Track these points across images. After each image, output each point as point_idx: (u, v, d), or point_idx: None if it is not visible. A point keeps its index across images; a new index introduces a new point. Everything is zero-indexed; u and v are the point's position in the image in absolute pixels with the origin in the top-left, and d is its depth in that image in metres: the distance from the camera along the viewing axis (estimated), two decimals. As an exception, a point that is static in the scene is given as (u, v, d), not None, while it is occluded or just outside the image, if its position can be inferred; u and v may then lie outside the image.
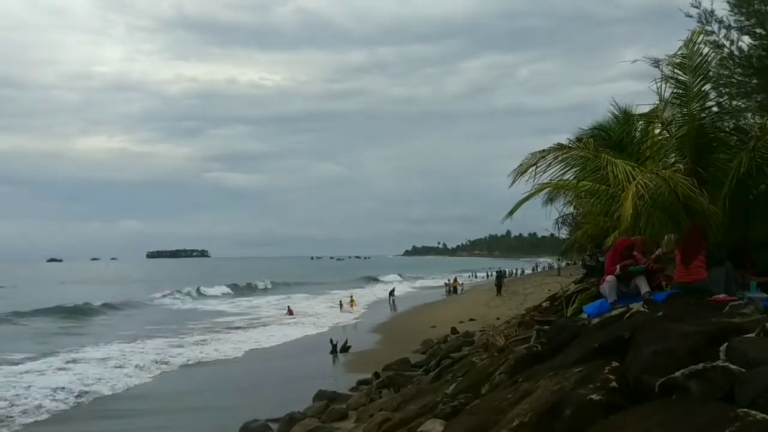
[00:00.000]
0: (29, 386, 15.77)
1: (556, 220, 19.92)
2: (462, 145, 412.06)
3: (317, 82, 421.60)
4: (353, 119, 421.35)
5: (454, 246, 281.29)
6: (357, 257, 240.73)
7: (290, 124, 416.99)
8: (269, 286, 65.91)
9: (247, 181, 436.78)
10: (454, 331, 22.37)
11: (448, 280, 55.33)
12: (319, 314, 36.19)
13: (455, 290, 49.94)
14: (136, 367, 18.84)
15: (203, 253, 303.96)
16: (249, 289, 62.45)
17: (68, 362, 19.68)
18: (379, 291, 52.95)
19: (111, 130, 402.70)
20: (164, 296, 52.06)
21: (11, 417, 13.26)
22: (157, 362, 19.87)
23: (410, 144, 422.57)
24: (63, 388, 15.69)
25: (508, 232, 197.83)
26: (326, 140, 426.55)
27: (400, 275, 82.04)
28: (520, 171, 8.48)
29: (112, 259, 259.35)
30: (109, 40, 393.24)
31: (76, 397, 15.20)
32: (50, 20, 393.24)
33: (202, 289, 57.98)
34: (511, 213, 9.61)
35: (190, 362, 20.50)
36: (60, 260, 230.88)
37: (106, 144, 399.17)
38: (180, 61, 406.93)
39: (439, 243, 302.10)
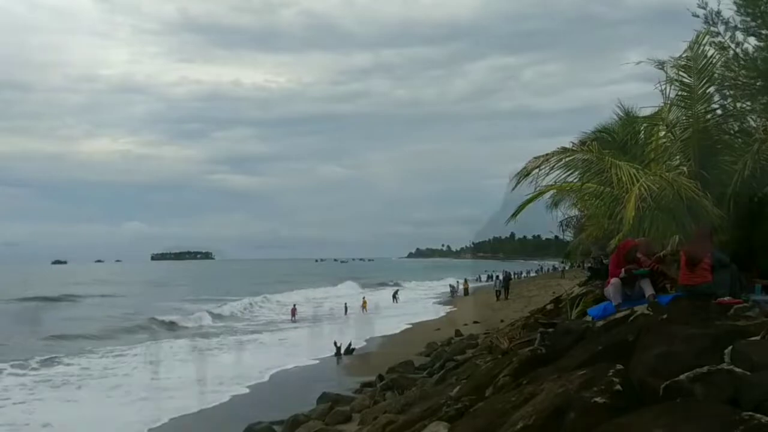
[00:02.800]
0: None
1: (561, 222, 19.90)
2: (466, 147, 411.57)
3: (322, 84, 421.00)
4: (358, 121, 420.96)
5: (458, 248, 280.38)
6: (361, 260, 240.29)
7: (295, 126, 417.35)
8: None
9: (251, 183, 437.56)
10: (458, 333, 22.36)
11: (458, 282, 55.12)
12: (324, 317, 36.12)
13: (466, 292, 49.83)
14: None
15: (207, 255, 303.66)
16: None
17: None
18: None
19: (116, 132, 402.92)
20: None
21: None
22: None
23: (415, 146, 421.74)
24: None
25: (513, 235, 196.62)
26: (331, 142, 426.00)
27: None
28: (523, 174, 8.49)
29: (117, 261, 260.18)
30: (114, 43, 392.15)
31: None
32: (56, 23, 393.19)
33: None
34: (514, 215, 9.62)
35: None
36: (65, 262, 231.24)
37: (111, 146, 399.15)
38: (185, 64, 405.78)
39: (443, 245, 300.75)
